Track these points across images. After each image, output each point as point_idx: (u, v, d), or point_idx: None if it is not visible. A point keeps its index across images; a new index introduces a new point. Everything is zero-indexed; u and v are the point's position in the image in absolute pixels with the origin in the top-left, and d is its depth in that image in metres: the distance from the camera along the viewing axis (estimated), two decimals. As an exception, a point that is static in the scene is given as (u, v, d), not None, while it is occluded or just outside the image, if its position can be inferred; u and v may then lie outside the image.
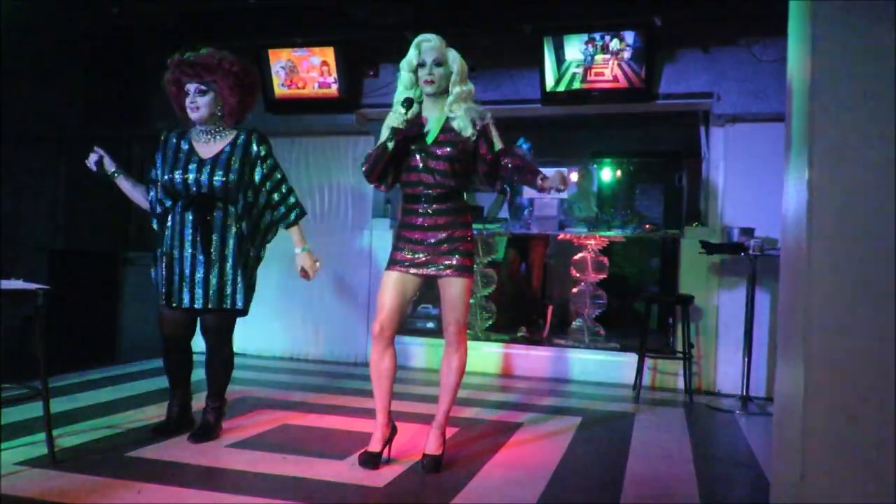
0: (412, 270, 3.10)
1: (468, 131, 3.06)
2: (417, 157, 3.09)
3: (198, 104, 3.36)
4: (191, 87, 3.36)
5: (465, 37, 5.30)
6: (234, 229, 3.37)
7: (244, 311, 3.46)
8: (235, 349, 6.26)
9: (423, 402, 4.27)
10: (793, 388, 2.07)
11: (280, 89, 5.86)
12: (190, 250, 3.35)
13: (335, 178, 6.16)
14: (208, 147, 3.41)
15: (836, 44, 1.97)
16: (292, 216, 3.52)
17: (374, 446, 3.11)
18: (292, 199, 3.51)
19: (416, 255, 3.09)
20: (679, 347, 5.11)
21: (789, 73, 2.41)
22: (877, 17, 1.93)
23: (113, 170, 3.45)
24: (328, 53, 5.67)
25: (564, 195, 3.19)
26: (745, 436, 4.00)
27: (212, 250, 3.35)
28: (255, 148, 3.43)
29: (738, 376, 4.81)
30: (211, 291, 3.35)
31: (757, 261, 4.75)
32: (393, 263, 3.14)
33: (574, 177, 6.65)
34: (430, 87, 3.04)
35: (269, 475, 2.97)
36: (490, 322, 6.09)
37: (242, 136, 3.43)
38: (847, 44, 1.96)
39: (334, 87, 5.74)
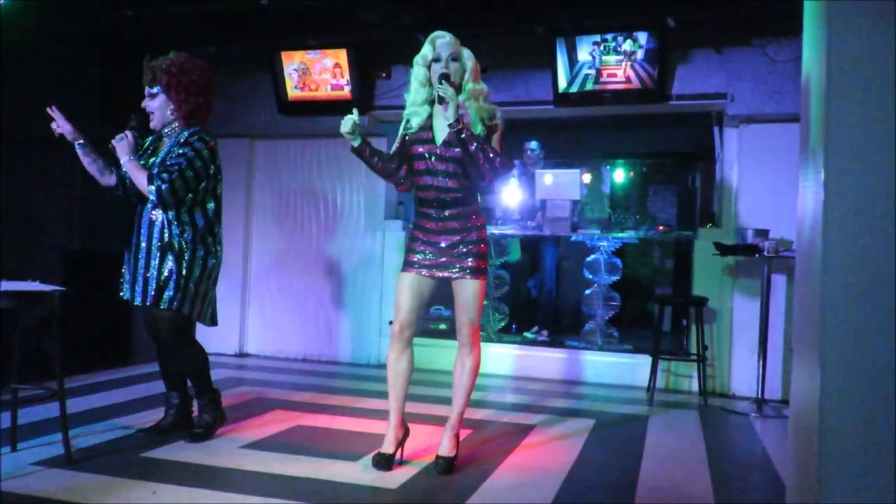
0: (426, 272, 3.10)
1: (477, 128, 3.05)
2: (427, 160, 3.09)
3: (150, 107, 3.45)
4: (146, 91, 3.46)
5: (477, 38, 5.32)
6: (158, 227, 3.36)
7: (174, 311, 3.34)
8: (251, 349, 6.33)
9: (435, 403, 4.27)
10: (809, 392, 2.06)
11: (293, 91, 5.88)
12: (134, 247, 3.42)
13: (347, 180, 6.17)
14: (162, 149, 3.47)
15: (852, 44, 1.96)
16: (155, 176, 3.27)
17: (388, 448, 3.11)
18: (165, 175, 3.27)
19: (430, 257, 3.10)
20: (693, 349, 5.08)
21: (804, 74, 2.39)
22: (894, 16, 1.92)
23: (75, 139, 3.39)
24: (341, 55, 5.69)
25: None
26: (760, 439, 3.97)
27: (142, 247, 3.37)
28: (182, 138, 3.41)
29: (753, 379, 4.78)
30: (139, 288, 3.37)
31: (772, 262, 4.72)
32: (407, 265, 3.14)
33: (586, 178, 6.64)
34: (441, 80, 3.01)
35: (283, 476, 2.98)
36: (503, 323, 6.09)
37: (184, 134, 3.43)
38: (863, 44, 1.95)
39: (347, 89, 5.75)
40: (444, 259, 3.09)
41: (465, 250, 3.08)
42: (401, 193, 5.92)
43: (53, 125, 3.37)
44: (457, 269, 3.08)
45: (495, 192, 6.90)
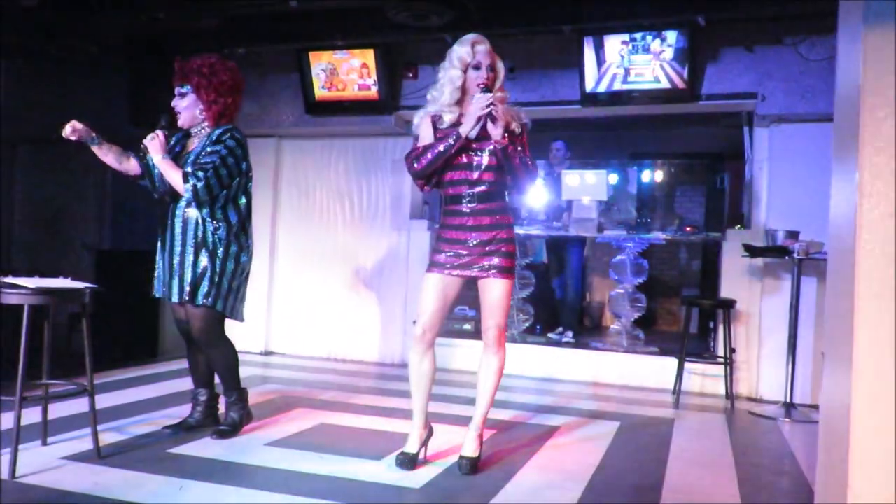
0: (454, 272, 3.08)
1: (512, 125, 3.07)
2: (462, 155, 3.07)
3: (179, 107, 3.48)
4: (175, 91, 3.48)
5: (504, 38, 5.30)
6: (192, 225, 3.39)
7: (209, 307, 3.38)
8: (276, 348, 6.37)
9: (459, 403, 4.26)
10: (840, 397, 2.02)
11: (320, 91, 5.91)
12: (167, 244, 3.45)
13: (374, 180, 6.19)
14: (190, 147, 3.50)
15: (887, 43, 1.92)
16: (190, 174, 3.31)
17: (412, 447, 3.12)
18: (200, 173, 3.30)
19: (458, 257, 3.07)
20: (720, 352, 5.02)
21: (839, 73, 2.35)
22: (931, 14, 1.88)
23: (93, 137, 3.40)
24: (368, 56, 5.70)
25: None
26: (788, 443, 3.91)
27: (176, 244, 3.40)
28: (213, 137, 3.43)
29: (782, 382, 4.71)
30: (174, 285, 3.40)
31: (802, 264, 4.65)
32: (433, 265, 3.11)
33: (613, 178, 6.59)
34: (484, 90, 3.00)
35: (307, 474, 2.99)
36: (527, 324, 6.07)
37: (215, 133, 3.45)
38: (899, 42, 1.91)
39: (374, 90, 5.76)
40: (471, 258, 3.06)
41: (493, 248, 3.06)
42: (425, 194, 5.94)
43: (66, 131, 3.31)
44: (484, 268, 3.06)
45: (522, 193, 6.89)
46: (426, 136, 3.11)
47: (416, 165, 3.08)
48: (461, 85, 3.06)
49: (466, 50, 3.04)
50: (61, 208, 6.76)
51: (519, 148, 3.08)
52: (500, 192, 3.13)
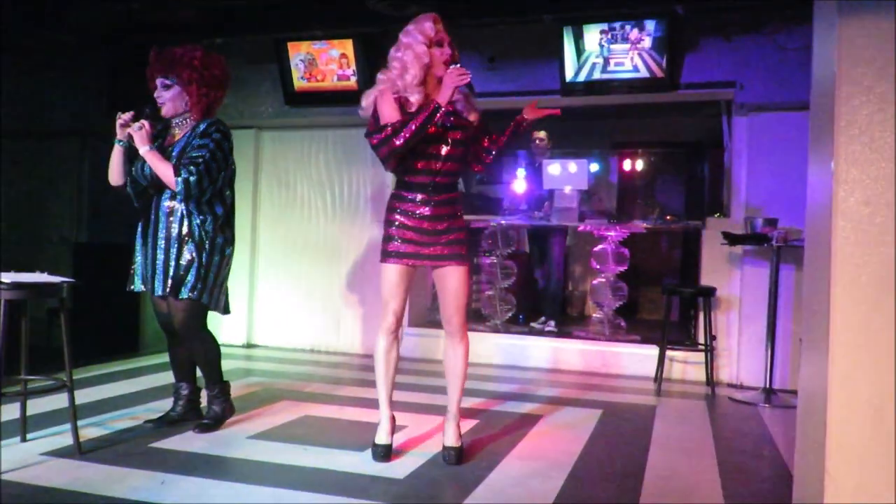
0: (411, 262, 3.03)
1: (472, 115, 3.07)
2: (428, 142, 2.97)
3: (163, 98, 3.42)
4: (157, 81, 3.42)
5: (485, 28, 5.29)
6: (178, 218, 3.35)
7: (193, 300, 3.35)
8: (258, 340, 6.34)
9: (439, 393, 4.26)
10: (817, 382, 2.05)
11: (299, 82, 5.87)
12: (150, 238, 3.41)
13: (354, 171, 6.16)
14: (173, 139, 3.46)
15: (861, 32, 1.94)
16: (182, 168, 3.27)
17: (384, 439, 3.09)
18: (192, 167, 3.26)
19: (414, 245, 3.01)
20: (701, 339, 5.07)
21: (814, 63, 2.37)
22: (905, 3, 1.89)
23: (124, 141, 3.41)
24: (347, 46, 5.67)
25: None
26: (768, 429, 3.96)
27: (160, 238, 3.36)
28: (199, 130, 3.39)
29: (761, 368, 4.76)
30: (158, 278, 3.37)
31: (780, 252, 4.69)
32: (391, 256, 3.03)
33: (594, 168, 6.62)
34: (449, 67, 2.89)
35: (291, 466, 2.99)
36: (510, 314, 6.08)
37: (201, 126, 3.42)
38: (873, 32, 1.93)
39: (353, 80, 5.73)
40: (428, 248, 3.02)
41: (452, 237, 3.04)
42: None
43: (123, 118, 3.35)
44: (442, 258, 3.03)
45: (499, 183, 6.86)
46: (390, 114, 2.93)
47: (396, 142, 2.86)
48: (428, 62, 2.97)
49: (430, 25, 2.96)
50: (37, 201, 6.67)
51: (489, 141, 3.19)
52: (456, 183, 3.15)
